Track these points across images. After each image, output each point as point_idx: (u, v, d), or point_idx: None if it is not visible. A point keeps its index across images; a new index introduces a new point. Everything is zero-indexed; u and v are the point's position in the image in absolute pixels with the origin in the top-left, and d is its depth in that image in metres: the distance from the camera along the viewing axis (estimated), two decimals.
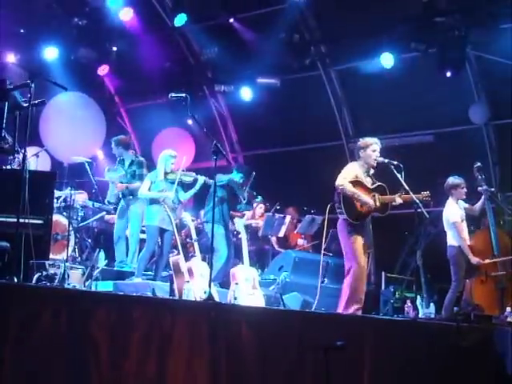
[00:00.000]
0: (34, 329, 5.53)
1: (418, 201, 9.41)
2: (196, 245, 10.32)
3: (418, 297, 10.93)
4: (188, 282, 9.54)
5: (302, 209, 14.55)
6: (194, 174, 11.42)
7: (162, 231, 11.08)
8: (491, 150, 14.71)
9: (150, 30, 16.02)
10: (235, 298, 9.67)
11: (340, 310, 9.28)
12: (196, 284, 9.50)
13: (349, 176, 9.43)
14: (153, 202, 11.09)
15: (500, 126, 14.60)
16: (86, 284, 9.61)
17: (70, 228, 11.72)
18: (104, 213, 13.17)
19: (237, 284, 9.85)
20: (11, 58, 15.22)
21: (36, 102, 7.63)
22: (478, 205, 10.98)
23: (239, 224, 11.12)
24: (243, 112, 16.92)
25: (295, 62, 15.72)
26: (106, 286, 10.17)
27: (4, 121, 7.91)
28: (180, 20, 15.51)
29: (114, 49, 16.30)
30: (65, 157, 14.71)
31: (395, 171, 9.45)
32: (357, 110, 16.11)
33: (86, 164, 12.75)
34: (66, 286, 8.56)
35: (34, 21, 15.03)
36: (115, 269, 11.89)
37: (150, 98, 17.61)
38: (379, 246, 10.17)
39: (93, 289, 9.39)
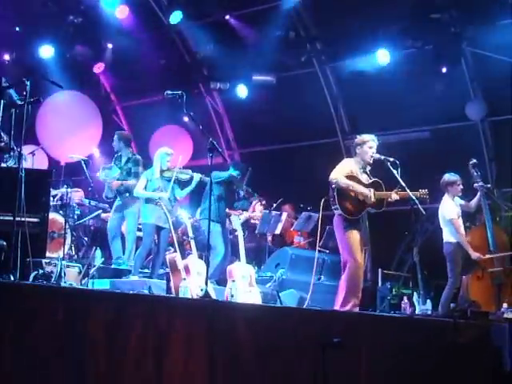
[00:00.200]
0: (31, 327, 5.53)
1: (414, 197, 9.42)
2: (193, 242, 10.31)
3: (415, 293, 10.95)
4: (185, 279, 9.53)
5: (298, 206, 14.55)
6: (190, 171, 11.42)
7: (159, 229, 11.08)
8: (487, 147, 14.72)
9: (145, 28, 15.99)
10: (232, 296, 9.66)
11: (337, 306, 9.28)
12: (193, 282, 9.49)
13: (343, 171, 9.43)
14: (149, 200, 11.09)
15: (496, 122, 14.60)
16: (83, 282, 9.61)
17: (67, 226, 11.72)
18: (100, 211, 13.18)
19: (233, 281, 9.85)
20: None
21: (31, 100, 7.63)
22: (474, 201, 11.00)
23: (235, 221, 11.11)
24: (239, 109, 16.92)
25: (291, 59, 15.73)
26: (102, 284, 10.18)
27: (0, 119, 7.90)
28: (175, 17, 15.50)
29: (110, 47, 16.28)
30: (61, 155, 14.70)
31: (391, 168, 9.45)
32: (353, 106, 16.09)
33: (83, 162, 12.75)
34: (62, 284, 8.57)
35: (30, 19, 14.99)
36: (112, 267, 11.89)
37: (145, 96, 17.60)
38: (376, 243, 10.20)
39: (89, 287, 9.39)
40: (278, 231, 14.03)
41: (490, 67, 13.70)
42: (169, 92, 9.01)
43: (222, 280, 11.12)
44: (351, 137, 14.04)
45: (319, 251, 12.82)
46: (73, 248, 12.42)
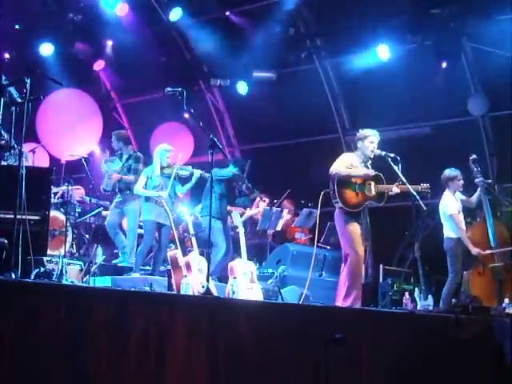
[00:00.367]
0: (32, 325, 5.53)
1: (415, 192, 9.42)
2: (194, 239, 10.31)
3: (416, 289, 10.94)
4: (186, 276, 9.53)
5: (299, 202, 14.54)
6: (190, 167, 11.43)
7: (159, 226, 11.08)
8: (488, 142, 14.71)
9: (145, 25, 15.99)
10: (233, 292, 9.66)
11: (339, 300, 9.29)
12: (194, 278, 9.50)
13: (343, 164, 9.44)
14: (149, 198, 11.09)
15: (497, 117, 14.57)
16: (84, 279, 9.61)
17: (68, 224, 11.72)
18: (101, 208, 13.19)
19: (235, 278, 9.84)
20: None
21: (32, 98, 7.62)
22: (475, 197, 11.01)
23: (236, 218, 11.11)
24: (239, 106, 16.92)
25: (291, 55, 15.72)
26: (104, 282, 10.17)
27: (0, 117, 7.90)
28: (175, 14, 15.49)
29: (110, 44, 16.28)
30: (61, 153, 14.70)
31: (392, 164, 9.46)
32: (353, 102, 16.09)
33: (83, 160, 12.76)
34: (64, 281, 8.55)
35: (30, 17, 14.98)
36: (113, 264, 11.90)
37: (146, 93, 17.60)
38: (377, 239, 10.18)
39: (91, 284, 9.39)
40: (279, 228, 14.04)
41: (490, 62, 13.69)
42: (169, 89, 9.01)
43: (223, 277, 11.13)
44: (352, 133, 14.02)
45: (321, 247, 12.86)
46: (74, 246, 12.44)
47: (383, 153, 9.56)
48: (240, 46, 15.25)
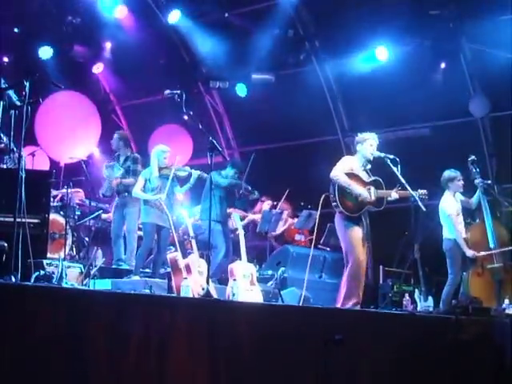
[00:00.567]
0: (32, 328, 5.53)
1: (414, 194, 9.45)
2: (193, 241, 10.31)
3: (416, 290, 10.95)
4: (186, 278, 9.52)
5: (298, 204, 14.56)
6: (188, 168, 11.42)
7: (159, 228, 11.06)
8: (487, 143, 14.71)
9: (144, 27, 15.98)
10: (233, 294, 9.66)
11: (339, 303, 9.30)
12: (194, 281, 9.49)
13: (344, 168, 9.46)
14: (147, 200, 11.06)
15: (496, 118, 14.57)
16: (84, 282, 9.61)
17: (67, 227, 11.72)
18: (101, 211, 13.18)
19: (235, 280, 9.85)
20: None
21: (31, 101, 7.62)
22: (475, 198, 11.04)
23: (236, 220, 11.12)
24: (239, 108, 16.91)
25: (290, 57, 15.71)
26: (103, 284, 10.16)
27: None
28: (174, 16, 15.50)
29: (109, 46, 16.27)
30: (60, 156, 14.69)
31: (391, 165, 9.47)
32: (352, 104, 16.07)
33: (83, 163, 12.77)
34: (63, 284, 8.55)
35: (29, 20, 14.98)
36: (113, 267, 11.90)
37: (145, 96, 17.60)
38: (377, 240, 10.19)
39: (91, 287, 9.38)
40: (279, 230, 14.08)
41: (489, 63, 13.68)
42: (168, 91, 9.02)
43: (223, 279, 11.13)
44: (351, 134, 14.05)
45: (320, 249, 12.87)
46: (74, 248, 12.44)
47: (382, 154, 9.58)
48: (239, 47, 15.24)
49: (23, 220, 7.32)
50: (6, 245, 7.39)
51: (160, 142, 11.78)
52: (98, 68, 16.57)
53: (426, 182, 9.84)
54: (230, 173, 12.06)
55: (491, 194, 11.43)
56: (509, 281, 10.79)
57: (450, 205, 10.85)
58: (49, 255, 10.08)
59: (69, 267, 9.57)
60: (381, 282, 13.21)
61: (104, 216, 13.30)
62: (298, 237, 14.68)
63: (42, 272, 8.41)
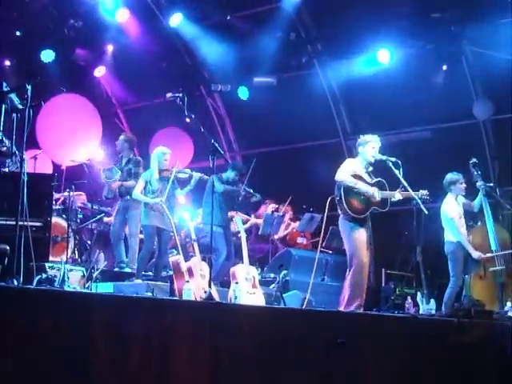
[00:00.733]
0: (34, 332, 5.53)
1: (416, 197, 9.46)
2: (195, 245, 10.31)
3: (419, 293, 10.93)
4: (188, 282, 9.53)
5: (300, 207, 14.56)
6: (188, 170, 11.41)
7: (159, 231, 11.04)
8: (489, 145, 14.71)
9: (146, 31, 15.98)
10: (235, 297, 9.67)
11: (342, 306, 9.31)
12: (196, 284, 9.50)
13: (348, 171, 9.47)
14: (147, 203, 11.04)
15: (498, 120, 14.57)
16: (86, 286, 9.61)
17: (70, 230, 11.72)
18: (103, 214, 13.18)
19: (237, 283, 9.86)
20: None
21: (33, 104, 7.62)
22: (477, 200, 11.05)
23: (238, 223, 11.12)
24: (240, 111, 16.91)
25: (292, 60, 15.72)
26: (106, 288, 10.16)
27: (1, 123, 7.90)
28: (176, 19, 15.50)
29: (111, 50, 16.27)
30: (61, 159, 14.69)
31: (393, 168, 9.48)
32: (354, 107, 16.08)
33: (84, 166, 12.78)
34: (66, 288, 8.56)
35: (31, 23, 14.99)
36: (115, 270, 11.90)
37: (146, 99, 17.60)
38: (379, 243, 10.19)
39: (93, 290, 9.39)
40: (281, 233, 14.08)
41: (490, 66, 13.68)
42: (170, 94, 9.02)
43: (225, 282, 11.13)
44: (353, 137, 14.05)
45: (323, 252, 12.86)
46: (76, 252, 12.44)
47: (384, 157, 9.59)
48: (241, 50, 15.24)
49: (25, 223, 7.33)
50: (8, 248, 7.39)
51: (160, 145, 11.76)
52: (99, 71, 16.57)
53: (427, 184, 9.84)
54: (231, 175, 12.05)
55: (493, 196, 11.43)
56: (511, 283, 10.79)
57: (452, 208, 10.85)
58: (51, 258, 10.08)
59: (71, 270, 9.58)
60: (383, 284, 13.21)
61: (106, 219, 13.30)
62: (300, 240, 14.68)
63: (44, 275, 8.42)
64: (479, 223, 11.39)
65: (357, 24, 14.16)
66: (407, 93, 14.26)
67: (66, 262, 9.91)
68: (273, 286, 11.86)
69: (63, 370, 5.59)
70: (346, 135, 16.16)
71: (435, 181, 11.13)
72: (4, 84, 7.99)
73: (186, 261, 9.97)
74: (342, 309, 9.22)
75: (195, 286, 9.42)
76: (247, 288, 9.85)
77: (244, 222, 12.58)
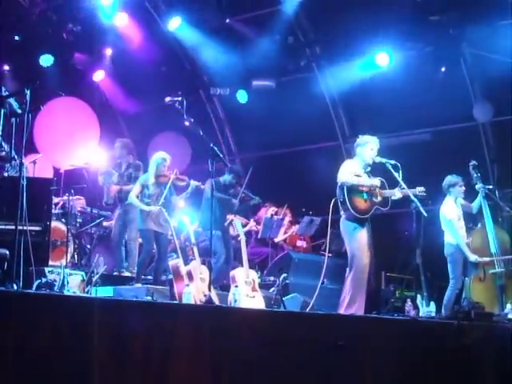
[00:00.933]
0: (34, 336, 5.52)
1: (415, 199, 9.48)
2: (195, 248, 10.31)
3: (418, 295, 10.93)
4: (188, 285, 9.53)
5: (300, 210, 14.56)
6: (186, 178, 11.41)
7: (157, 235, 11.02)
8: (488, 147, 14.71)
9: (144, 35, 15.98)
10: (235, 301, 9.66)
11: (342, 308, 9.31)
12: (196, 287, 9.49)
13: (348, 172, 9.49)
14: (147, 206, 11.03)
15: (497, 123, 14.57)
16: (86, 290, 9.61)
17: (69, 234, 11.72)
18: (102, 218, 13.18)
19: (237, 286, 9.85)
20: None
21: (32, 108, 7.62)
22: (476, 202, 11.05)
23: (238, 226, 11.12)
24: (239, 114, 16.90)
25: (290, 63, 15.73)
26: (105, 292, 10.16)
27: (0, 128, 7.90)
28: (175, 23, 15.49)
29: (109, 54, 16.26)
30: (59, 162, 14.66)
31: (393, 170, 9.50)
32: (353, 110, 16.09)
33: (84, 170, 12.78)
34: (65, 292, 8.55)
35: (29, 28, 14.98)
36: (115, 274, 11.89)
37: (145, 103, 17.58)
38: (378, 245, 10.19)
39: (93, 294, 9.38)
40: (280, 236, 14.08)
41: (489, 68, 13.68)
42: (169, 98, 9.03)
43: (225, 285, 11.12)
44: (352, 140, 14.03)
45: (322, 255, 12.86)
46: (75, 256, 12.43)
47: (383, 160, 9.60)
48: (239, 54, 15.24)
49: (25, 228, 7.33)
50: (7, 252, 7.41)
51: (158, 149, 11.76)
52: (98, 75, 16.56)
53: (427, 187, 9.85)
54: (228, 178, 12.06)
55: (492, 198, 11.44)
56: (511, 286, 10.79)
57: (451, 209, 10.86)
58: (50, 263, 10.10)
59: (70, 275, 9.58)
60: (383, 287, 13.21)
61: (106, 223, 13.30)
62: (299, 243, 14.69)
63: (44, 280, 8.42)
64: (479, 225, 11.39)
65: (355, 27, 14.16)
66: (406, 95, 14.26)
67: (66, 267, 9.90)
68: (273, 289, 11.85)
69: (63, 374, 5.58)
70: (344, 138, 16.16)
71: (435, 183, 11.13)
72: (3, 89, 8.01)
73: (185, 264, 9.97)
74: (341, 311, 9.23)
75: (195, 290, 9.41)
76: (247, 291, 9.85)
77: (243, 226, 12.57)
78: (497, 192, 11.65)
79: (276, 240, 14.20)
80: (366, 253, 9.45)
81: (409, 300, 11.40)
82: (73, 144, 15.05)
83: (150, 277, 11.66)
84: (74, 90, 15.40)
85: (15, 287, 6.68)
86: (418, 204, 9.51)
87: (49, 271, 8.94)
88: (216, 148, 8.67)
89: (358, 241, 9.43)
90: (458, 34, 13.58)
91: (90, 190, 13.02)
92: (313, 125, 15.87)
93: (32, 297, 6.18)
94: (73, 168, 13.38)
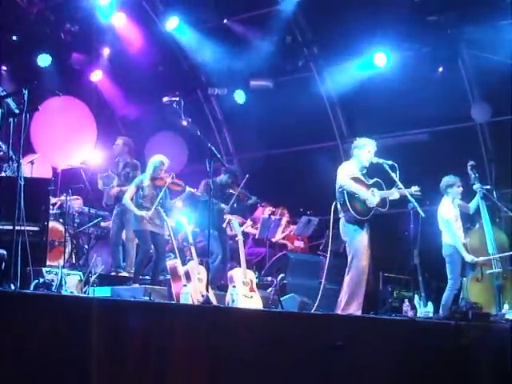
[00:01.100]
0: (32, 336, 5.52)
1: (413, 199, 9.49)
2: (193, 248, 10.30)
3: (416, 296, 10.94)
4: (185, 285, 9.53)
5: (298, 210, 14.55)
6: (182, 183, 11.39)
7: (153, 235, 11.00)
8: (486, 148, 14.71)
9: (142, 35, 15.98)
10: (233, 301, 9.67)
11: (340, 308, 9.31)
12: (193, 288, 9.49)
13: (348, 175, 9.49)
14: (137, 207, 10.99)
15: (494, 123, 14.57)
16: (84, 290, 9.60)
17: (67, 234, 11.71)
18: (100, 218, 13.17)
19: (234, 287, 9.85)
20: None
21: (30, 108, 7.61)
22: (473, 203, 11.06)
23: (235, 226, 11.12)
24: (237, 115, 16.90)
25: (288, 63, 15.73)
26: (103, 292, 10.15)
27: None
28: (172, 23, 15.49)
29: (107, 54, 16.25)
30: (56, 162, 14.65)
31: (390, 171, 9.50)
32: (351, 110, 16.09)
33: (81, 170, 12.77)
34: (63, 292, 8.55)
35: (27, 28, 14.98)
36: (112, 274, 11.88)
37: (143, 103, 17.56)
38: (376, 246, 10.20)
39: (90, 294, 9.37)
40: (278, 236, 14.06)
41: (487, 68, 13.68)
42: (167, 98, 9.03)
43: (222, 285, 11.12)
44: (350, 140, 14.03)
45: (320, 255, 12.87)
46: (73, 256, 12.42)
47: (381, 160, 9.60)
48: (237, 54, 15.24)
49: (22, 228, 7.32)
50: (5, 253, 7.40)
51: (156, 148, 11.76)
52: (96, 75, 16.55)
53: (424, 187, 9.85)
54: (224, 178, 12.07)
55: (490, 199, 11.44)
56: (508, 286, 10.80)
57: (448, 210, 10.87)
58: (48, 263, 10.08)
59: (68, 275, 9.56)
60: (380, 287, 13.21)
61: (103, 223, 13.29)
62: (297, 243, 14.67)
63: (42, 280, 8.41)
64: (477, 225, 11.39)
65: (353, 27, 14.16)
66: (404, 95, 14.26)
67: (64, 267, 9.89)
68: (270, 289, 11.85)
69: (61, 374, 5.58)
70: (342, 138, 16.15)
71: (432, 183, 11.14)
72: (0, 89, 7.98)
73: (183, 265, 9.96)
74: (339, 311, 9.22)
75: (193, 290, 9.42)
76: (245, 291, 9.85)
77: (241, 225, 12.57)
78: (494, 192, 11.65)
79: (273, 240, 14.19)
80: (366, 254, 9.46)
81: (406, 300, 11.41)
82: (70, 144, 15.04)
83: (147, 277, 11.66)
84: (72, 90, 15.36)
85: (13, 287, 6.67)
86: (416, 204, 9.51)
87: (46, 271, 8.93)
88: (214, 148, 8.66)
89: (359, 242, 9.43)
90: (456, 35, 13.59)
91: (87, 189, 13.00)
92: (311, 125, 15.87)
93: (31, 297, 6.18)
94: (70, 168, 13.37)
